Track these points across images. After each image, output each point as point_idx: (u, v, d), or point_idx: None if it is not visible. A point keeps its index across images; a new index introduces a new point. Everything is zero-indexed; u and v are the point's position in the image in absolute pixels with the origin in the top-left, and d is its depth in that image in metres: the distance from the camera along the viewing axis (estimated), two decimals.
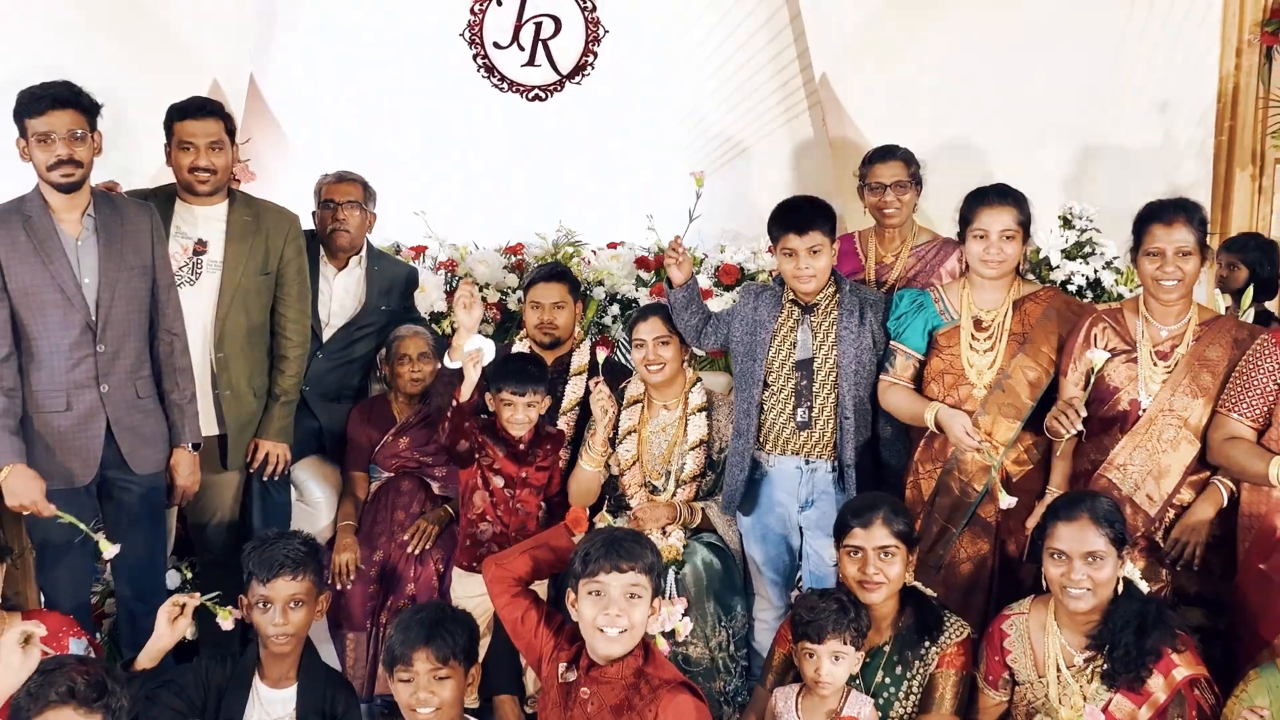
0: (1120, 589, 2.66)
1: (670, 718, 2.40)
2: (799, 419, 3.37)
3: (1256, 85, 5.07)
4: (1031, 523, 3.12)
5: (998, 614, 2.89)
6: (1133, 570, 2.73)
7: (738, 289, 3.74)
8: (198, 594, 2.69)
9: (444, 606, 2.73)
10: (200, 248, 3.43)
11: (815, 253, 3.34)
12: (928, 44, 4.98)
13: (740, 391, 3.46)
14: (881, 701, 2.77)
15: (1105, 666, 2.63)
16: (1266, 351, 2.92)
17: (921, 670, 2.79)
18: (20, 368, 3.05)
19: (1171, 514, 3.05)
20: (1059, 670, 2.69)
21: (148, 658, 2.64)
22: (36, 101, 3.04)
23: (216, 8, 4.64)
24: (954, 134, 5.03)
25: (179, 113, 3.49)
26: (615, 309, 4.62)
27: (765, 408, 3.40)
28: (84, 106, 3.10)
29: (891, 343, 3.38)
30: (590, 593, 2.47)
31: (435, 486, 3.78)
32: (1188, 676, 2.60)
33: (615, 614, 2.44)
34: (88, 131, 3.10)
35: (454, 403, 3.28)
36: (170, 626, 2.64)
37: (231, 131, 3.54)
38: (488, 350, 3.24)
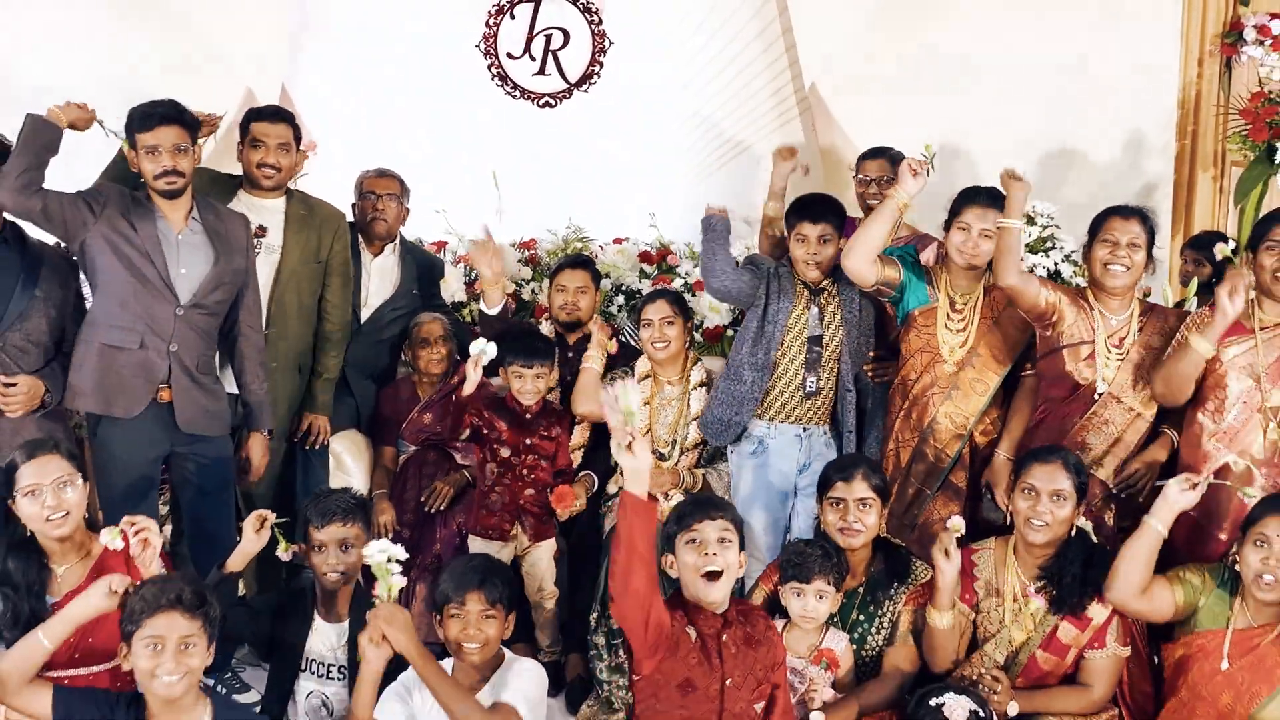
0: (1073, 534, 3.00)
1: (773, 632, 2.75)
2: (808, 387, 3.65)
3: (1217, 93, 5.29)
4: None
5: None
6: (1085, 523, 3.05)
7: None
8: (273, 513, 3.04)
9: (491, 558, 3.03)
10: (260, 232, 3.74)
11: (825, 241, 3.64)
12: (908, 57, 5.20)
13: (753, 348, 3.65)
14: (856, 636, 3.09)
15: (1054, 594, 2.96)
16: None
17: (891, 608, 3.11)
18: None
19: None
20: (1015, 598, 3.01)
21: (237, 560, 3.00)
22: (147, 119, 3.33)
23: (252, 23, 4.86)
24: (937, 140, 5.14)
25: (255, 115, 3.83)
26: (620, 299, 4.89)
27: (778, 371, 3.65)
28: (187, 123, 3.39)
29: None
30: (688, 542, 2.66)
31: (458, 457, 4.07)
32: None
33: (713, 554, 2.63)
34: (189, 145, 3.38)
35: (454, 397, 3.55)
36: (255, 535, 2.99)
37: (298, 138, 3.86)
38: (489, 351, 3.45)
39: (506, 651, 2.87)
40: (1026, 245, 4.55)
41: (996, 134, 5.23)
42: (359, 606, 2.95)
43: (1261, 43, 5.11)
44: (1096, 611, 2.96)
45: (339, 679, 2.95)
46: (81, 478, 2.90)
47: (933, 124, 5.06)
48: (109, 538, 2.71)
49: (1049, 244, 4.56)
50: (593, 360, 3.95)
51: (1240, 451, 3.14)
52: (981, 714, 2.64)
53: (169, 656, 2.40)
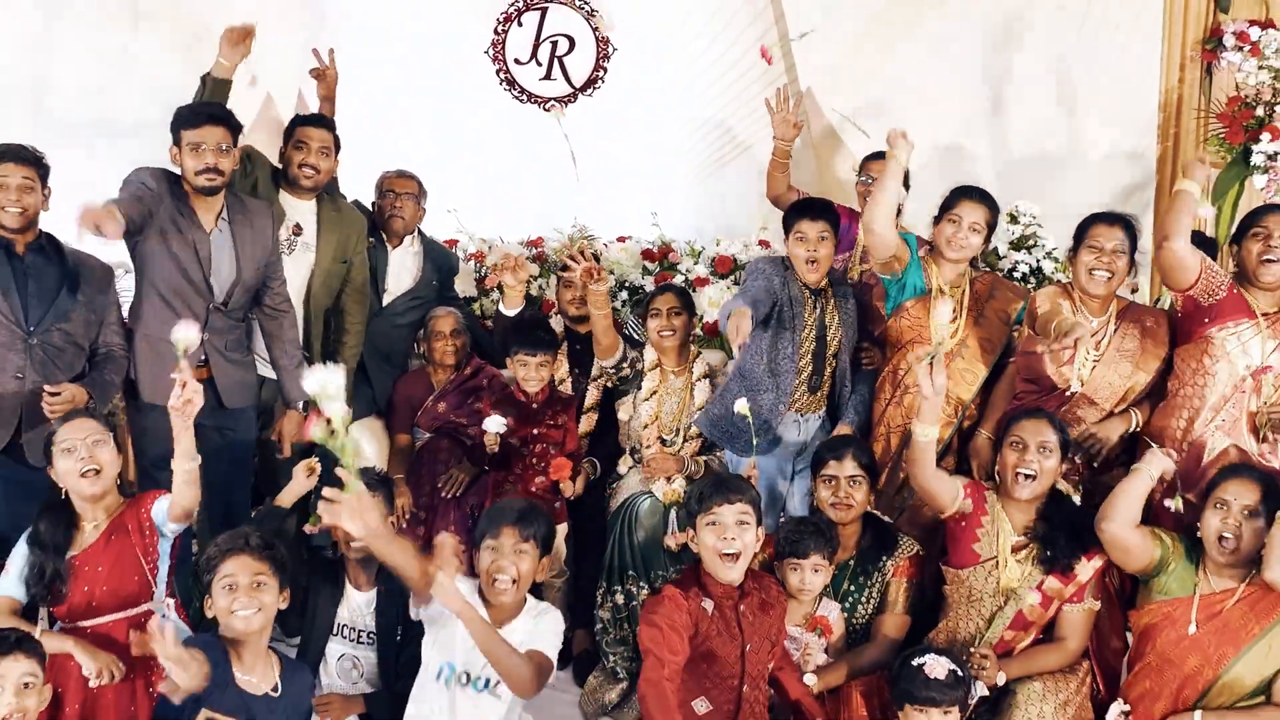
0: (1052, 496, 3.21)
1: (784, 596, 2.94)
2: (813, 384, 3.84)
3: (1198, 97, 5.39)
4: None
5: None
6: (1065, 486, 3.26)
7: (756, 258, 4.17)
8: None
9: (533, 501, 3.11)
10: (297, 230, 3.97)
11: (823, 238, 3.78)
12: (899, 63, 5.35)
13: (772, 353, 3.74)
14: (847, 605, 3.29)
15: (1047, 554, 3.16)
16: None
17: (879, 579, 3.32)
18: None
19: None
20: (1004, 551, 3.20)
21: (286, 497, 3.28)
22: (194, 116, 3.53)
23: (270, 32, 4.99)
24: (927, 142, 5.11)
25: (301, 120, 4.07)
26: (624, 294, 5.07)
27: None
28: (231, 126, 3.57)
29: None
30: (708, 524, 2.78)
31: (469, 443, 4.25)
32: (1105, 563, 3.19)
33: (730, 538, 2.77)
34: (231, 146, 3.56)
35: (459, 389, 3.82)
36: (305, 479, 3.29)
37: (338, 145, 4.07)
38: (499, 427, 3.82)
39: (528, 596, 2.94)
40: (1010, 243, 4.75)
41: (984, 137, 5.40)
42: (388, 577, 3.13)
43: (1240, 48, 5.21)
44: (1083, 569, 3.17)
45: (368, 643, 3.15)
46: (114, 442, 3.05)
47: (920, 126, 5.21)
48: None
49: (1031, 242, 4.74)
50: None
51: (1214, 407, 3.34)
52: (960, 673, 2.84)
53: (243, 593, 2.62)
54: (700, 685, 2.72)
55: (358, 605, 3.20)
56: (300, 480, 3.34)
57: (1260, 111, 5.14)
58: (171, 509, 2.94)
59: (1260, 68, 5.17)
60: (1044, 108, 5.40)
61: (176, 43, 4.97)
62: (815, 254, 3.78)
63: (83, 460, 2.95)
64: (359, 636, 3.18)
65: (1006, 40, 5.33)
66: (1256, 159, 5.09)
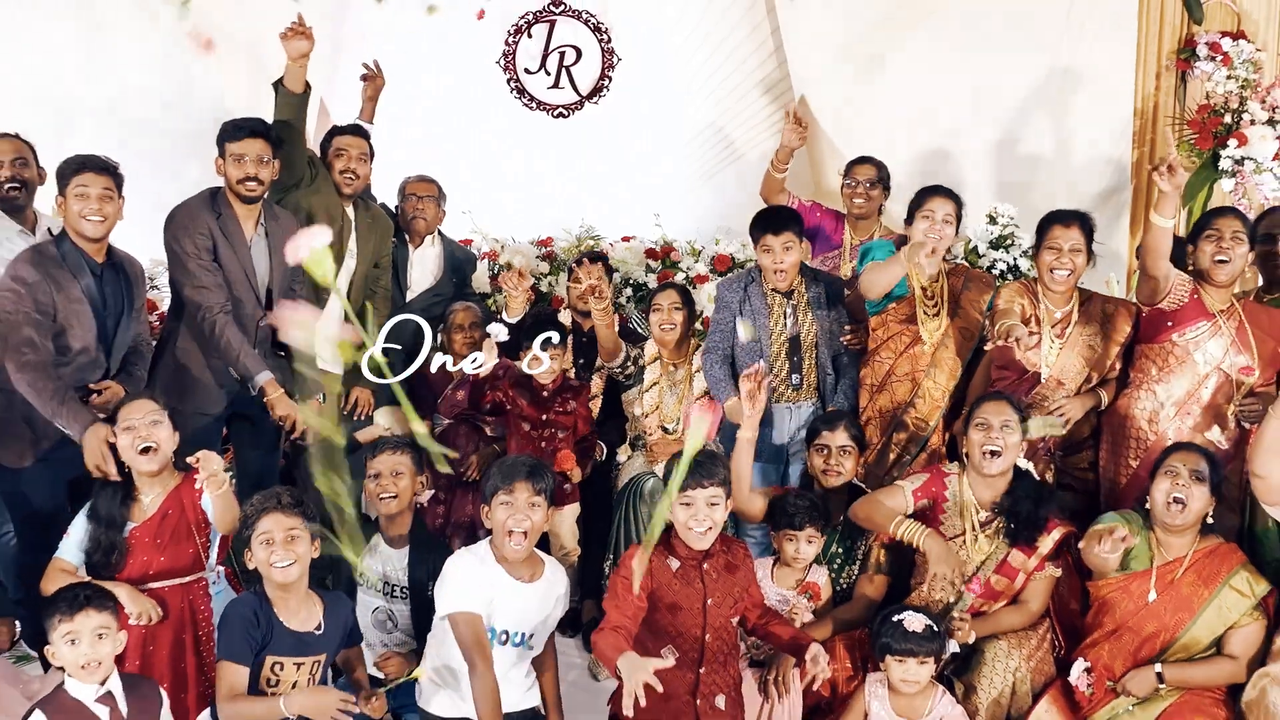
0: (1017, 472, 3.44)
1: (749, 559, 3.14)
2: (794, 382, 4.08)
3: (1174, 104, 5.64)
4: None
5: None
6: (1027, 464, 3.50)
7: (720, 281, 4.41)
8: None
9: (538, 459, 3.23)
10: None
11: (787, 249, 4.02)
12: (888, 73, 5.57)
13: (744, 361, 4.04)
14: (834, 567, 3.57)
15: (1011, 527, 3.39)
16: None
17: (863, 543, 3.60)
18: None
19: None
20: (974, 526, 3.43)
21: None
22: (237, 130, 3.75)
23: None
24: (911, 147, 5.57)
25: (338, 130, 4.31)
26: (629, 290, 5.31)
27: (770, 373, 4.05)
28: (271, 139, 3.80)
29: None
30: (683, 504, 2.97)
31: (487, 430, 4.51)
32: (1064, 533, 3.43)
33: (702, 518, 2.96)
34: (270, 159, 3.79)
35: (473, 377, 3.98)
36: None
37: (372, 152, 4.33)
38: (500, 334, 3.90)
39: (540, 554, 3.15)
40: (989, 242, 5.03)
41: (969, 141, 5.62)
42: (419, 536, 3.44)
43: (1213, 58, 5.46)
44: (1044, 543, 3.42)
45: (402, 598, 3.41)
46: (170, 421, 3.24)
47: (909, 131, 5.59)
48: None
49: (1009, 241, 5.01)
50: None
51: (1177, 403, 3.64)
52: (935, 628, 3.14)
53: (280, 546, 2.87)
54: (666, 634, 2.98)
55: (392, 561, 3.45)
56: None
57: (1228, 119, 5.41)
58: (218, 525, 3.20)
59: (1228, 77, 5.42)
60: (1025, 114, 5.60)
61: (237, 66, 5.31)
62: (781, 264, 4.02)
63: (141, 438, 3.16)
64: (393, 591, 3.42)
65: (990, 50, 5.53)
66: (1224, 163, 5.37)
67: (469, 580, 2.99)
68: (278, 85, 4.09)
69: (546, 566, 3.13)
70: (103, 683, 2.72)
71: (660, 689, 2.59)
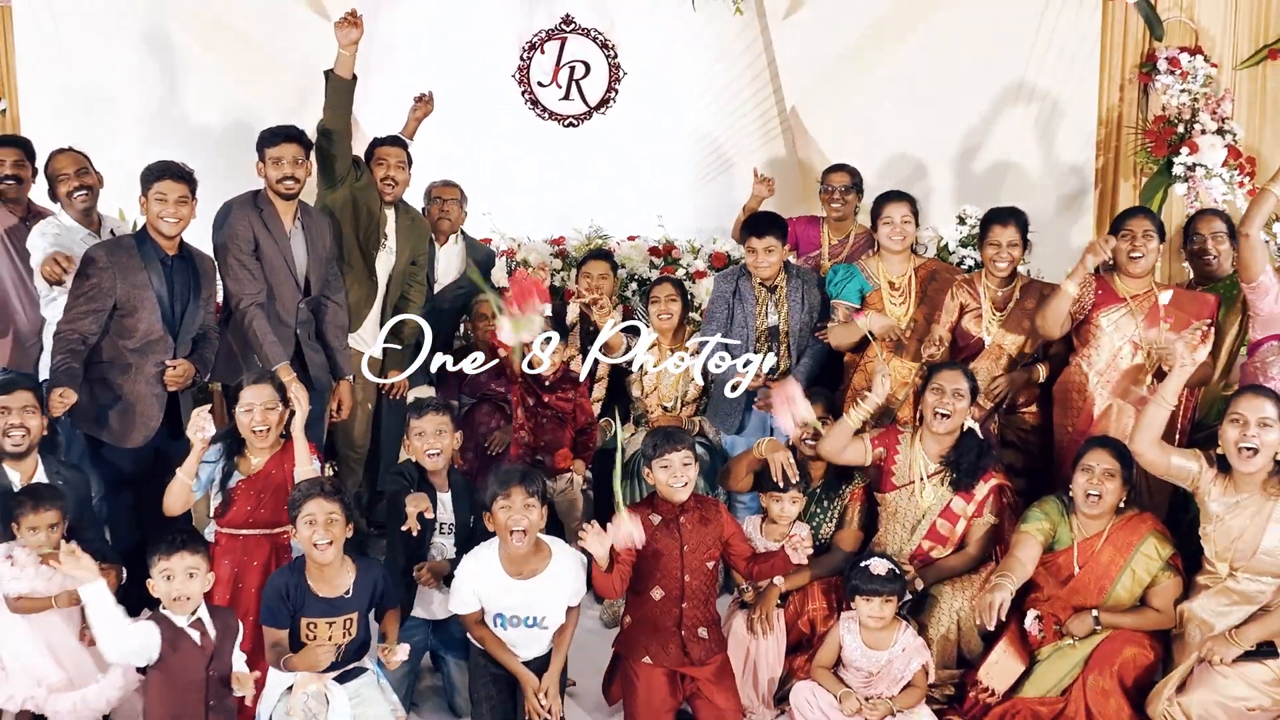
0: (964, 431, 3.87)
1: (725, 515, 3.59)
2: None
3: (1136, 115, 5.98)
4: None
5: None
6: (973, 423, 3.92)
7: (716, 275, 4.81)
8: None
9: (529, 467, 3.76)
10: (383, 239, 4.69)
11: (769, 250, 4.48)
12: (875, 85, 5.92)
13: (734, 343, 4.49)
14: (814, 524, 4.03)
15: (953, 477, 3.84)
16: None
17: (839, 503, 4.06)
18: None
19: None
20: (922, 477, 3.88)
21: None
22: (274, 137, 4.18)
23: (325, 60, 5.30)
24: (896, 154, 5.96)
25: (379, 142, 4.69)
26: (634, 286, 5.69)
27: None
28: (304, 143, 4.22)
29: (833, 300, 4.48)
30: (661, 466, 3.46)
31: (508, 408, 4.94)
32: (997, 484, 3.88)
33: (679, 475, 3.46)
34: (304, 160, 4.21)
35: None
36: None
37: (409, 160, 4.70)
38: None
39: (546, 540, 3.50)
40: (959, 241, 5.47)
41: (944, 149, 5.98)
42: (459, 478, 3.88)
43: (1172, 72, 5.80)
44: (980, 490, 3.88)
45: (448, 533, 3.81)
46: (284, 405, 3.66)
47: (890, 140, 5.93)
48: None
49: (976, 240, 5.42)
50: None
51: (1099, 372, 4.08)
52: (897, 571, 3.62)
53: (320, 527, 3.29)
54: (654, 574, 3.51)
55: (444, 504, 3.79)
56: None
57: (1181, 129, 5.79)
58: None
59: (1182, 90, 5.79)
60: (996, 123, 5.97)
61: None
62: (763, 263, 4.49)
63: (256, 421, 3.63)
64: (440, 528, 3.81)
65: (965, 65, 5.90)
66: (1177, 169, 5.75)
67: (461, 584, 3.48)
68: (329, 74, 4.41)
69: (553, 560, 3.47)
70: (193, 613, 3.17)
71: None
